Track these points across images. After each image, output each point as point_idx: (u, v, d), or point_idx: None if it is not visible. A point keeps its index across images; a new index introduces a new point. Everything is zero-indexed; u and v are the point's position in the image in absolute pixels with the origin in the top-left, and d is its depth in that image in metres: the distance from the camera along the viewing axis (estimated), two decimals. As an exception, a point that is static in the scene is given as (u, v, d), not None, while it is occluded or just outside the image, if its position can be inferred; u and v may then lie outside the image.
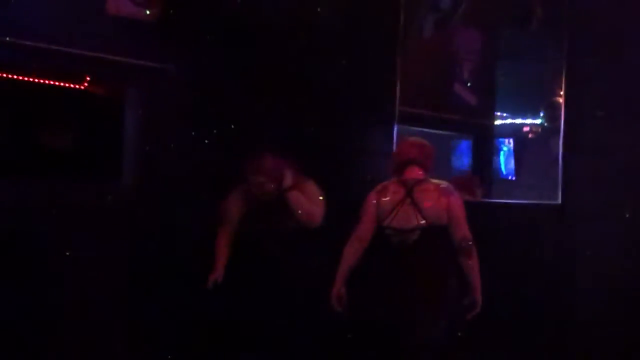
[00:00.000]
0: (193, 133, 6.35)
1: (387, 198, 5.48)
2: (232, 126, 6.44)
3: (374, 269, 5.51)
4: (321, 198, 5.88)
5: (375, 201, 5.52)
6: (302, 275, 5.71)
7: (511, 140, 7.50)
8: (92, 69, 6.22)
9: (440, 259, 5.38)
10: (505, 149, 7.60)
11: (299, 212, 5.79)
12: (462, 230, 5.29)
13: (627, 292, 6.21)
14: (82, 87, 6.36)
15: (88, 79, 6.33)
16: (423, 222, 5.31)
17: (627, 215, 6.25)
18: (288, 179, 5.81)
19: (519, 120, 7.49)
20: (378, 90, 7.06)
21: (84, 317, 5.86)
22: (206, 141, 6.37)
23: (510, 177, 7.56)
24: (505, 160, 7.66)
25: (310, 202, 5.83)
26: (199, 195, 6.19)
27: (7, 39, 5.58)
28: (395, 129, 6.99)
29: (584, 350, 6.11)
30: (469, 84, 7.47)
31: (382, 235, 5.46)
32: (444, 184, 5.51)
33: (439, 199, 5.35)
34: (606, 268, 6.19)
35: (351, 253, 5.51)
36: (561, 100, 6.68)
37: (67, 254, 5.77)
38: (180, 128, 6.35)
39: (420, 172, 5.51)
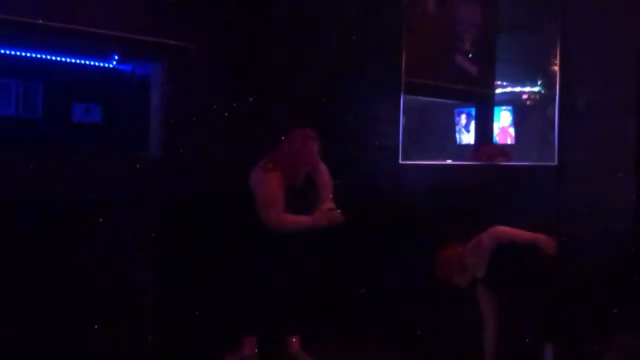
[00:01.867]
0: (215, 106, 6.43)
1: None
2: (250, 99, 6.49)
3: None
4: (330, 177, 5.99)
5: None
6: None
7: (511, 108, 7.32)
8: (120, 47, 6.37)
9: None
10: (505, 116, 7.42)
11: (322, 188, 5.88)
12: None
13: (619, 238, 5.99)
14: (111, 66, 6.55)
15: (117, 57, 6.50)
16: None
17: (621, 174, 5.97)
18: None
19: (518, 89, 7.34)
20: (385, 63, 6.97)
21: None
22: (226, 114, 6.44)
23: (510, 142, 7.42)
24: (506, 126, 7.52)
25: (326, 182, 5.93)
26: (220, 163, 6.28)
27: (40, 21, 5.66)
28: (402, 98, 6.97)
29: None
30: (470, 55, 7.38)
31: None
32: None
33: None
34: (601, 220, 5.97)
35: None
36: (556, 68, 6.42)
37: (100, 220, 5.89)
38: (203, 102, 6.42)
39: None
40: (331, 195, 5.90)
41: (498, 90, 7.25)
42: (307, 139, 5.76)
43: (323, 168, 5.98)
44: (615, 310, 5.89)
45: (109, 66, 6.56)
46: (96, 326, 5.83)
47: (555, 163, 6.28)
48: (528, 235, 5.25)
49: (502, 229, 5.27)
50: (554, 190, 6.11)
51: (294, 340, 5.94)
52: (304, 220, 5.64)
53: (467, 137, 7.58)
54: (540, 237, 5.22)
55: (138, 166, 6.18)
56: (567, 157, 6.25)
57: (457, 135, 7.74)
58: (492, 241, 5.21)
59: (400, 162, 6.92)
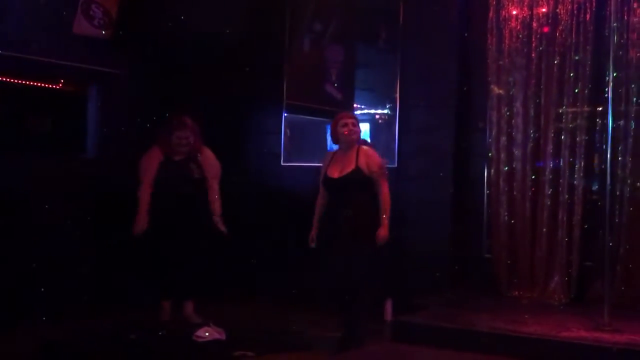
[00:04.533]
0: (138, 120, 7.12)
1: None
2: (166, 115, 6.93)
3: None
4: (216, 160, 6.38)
5: None
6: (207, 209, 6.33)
7: (367, 124, 7.74)
8: (65, 73, 7.01)
9: None
10: (363, 130, 7.07)
11: (207, 168, 6.26)
12: None
13: (439, 223, 7.08)
14: (58, 87, 7.14)
15: (62, 81, 7.12)
16: None
17: (441, 174, 7.11)
18: (198, 141, 6.22)
19: (372, 111, 7.86)
20: (271, 88, 7.81)
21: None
22: (148, 125, 7.10)
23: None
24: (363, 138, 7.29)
25: (212, 162, 6.35)
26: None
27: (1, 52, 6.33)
28: (284, 115, 7.87)
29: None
30: (335, 85, 8.05)
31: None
32: None
33: None
34: (427, 210, 7.05)
35: None
36: (397, 95, 7.36)
37: (46, 206, 6.48)
38: (129, 116, 7.12)
39: None
40: (217, 180, 6.26)
41: (358, 112, 7.83)
42: (179, 122, 6.14)
43: (207, 152, 6.27)
44: (437, 274, 6.97)
45: (56, 87, 7.08)
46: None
47: (396, 165, 7.19)
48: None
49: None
50: (394, 186, 6.45)
51: (188, 304, 6.34)
52: (142, 207, 6.04)
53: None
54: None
55: (78, 165, 6.90)
56: (404, 162, 7.22)
57: (328, 144, 7.49)
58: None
59: (282, 163, 7.82)
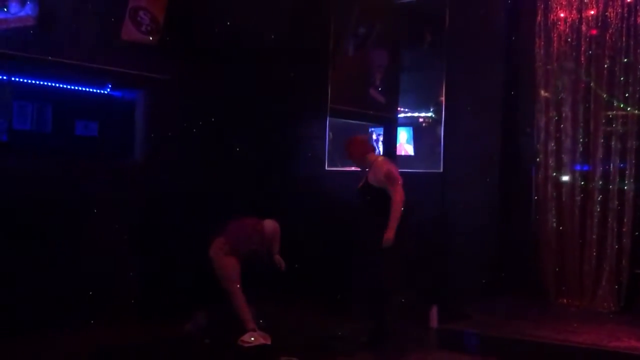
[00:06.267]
0: (185, 124, 7.11)
1: None
2: (212, 119, 7.21)
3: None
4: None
5: None
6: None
7: (411, 128, 7.87)
8: (112, 79, 7.02)
9: None
10: (406, 134, 7.92)
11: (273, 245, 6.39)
12: None
13: (486, 229, 7.04)
14: (106, 92, 7.17)
15: (110, 86, 7.14)
16: None
17: (488, 180, 7.08)
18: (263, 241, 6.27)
19: (416, 114, 7.88)
20: (316, 93, 7.79)
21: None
22: (194, 130, 7.14)
23: (406, 154, 7.91)
24: (406, 142, 7.96)
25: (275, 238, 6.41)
26: (188, 169, 6.98)
27: (50, 58, 6.36)
28: (328, 120, 7.85)
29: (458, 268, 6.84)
30: (379, 88, 8.02)
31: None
32: None
33: None
34: (473, 216, 6.94)
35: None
36: (442, 99, 7.26)
37: (95, 211, 6.51)
38: (175, 121, 7.10)
39: None
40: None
41: (401, 115, 7.85)
42: (254, 229, 6.20)
43: (268, 229, 6.33)
44: (483, 281, 7.09)
45: (104, 92, 7.12)
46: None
47: (441, 170, 7.13)
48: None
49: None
50: (440, 191, 6.95)
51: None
52: (239, 299, 6.03)
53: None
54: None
55: (125, 170, 6.84)
56: (450, 167, 7.12)
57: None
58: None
59: (326, 168, 7.78)
